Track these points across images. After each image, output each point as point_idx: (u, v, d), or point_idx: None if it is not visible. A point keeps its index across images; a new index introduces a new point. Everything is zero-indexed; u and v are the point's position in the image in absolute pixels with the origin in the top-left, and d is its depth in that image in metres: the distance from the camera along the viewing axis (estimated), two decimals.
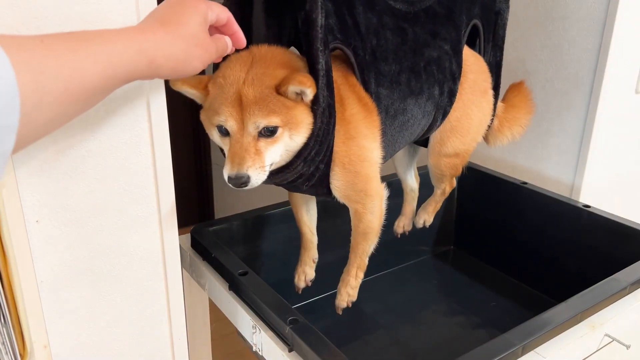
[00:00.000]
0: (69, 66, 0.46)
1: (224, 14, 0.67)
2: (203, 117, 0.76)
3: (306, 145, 0.75)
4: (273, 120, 0.71)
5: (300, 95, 0.73)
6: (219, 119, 0.72)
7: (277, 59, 0.75)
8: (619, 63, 1.26)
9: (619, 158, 1.41)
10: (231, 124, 0.72)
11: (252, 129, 0.71)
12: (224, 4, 0.79)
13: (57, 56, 0.46)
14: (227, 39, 0.69)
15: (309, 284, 1.03)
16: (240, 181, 0.71)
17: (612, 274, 0.90)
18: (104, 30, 0.53)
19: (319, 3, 0.71)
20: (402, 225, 1.16)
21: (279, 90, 0.72)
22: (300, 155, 0.76)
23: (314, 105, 0.74)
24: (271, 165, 0.74)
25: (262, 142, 0.72)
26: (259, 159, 0.72)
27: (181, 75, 0.63)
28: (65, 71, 0.46)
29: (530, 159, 1.44)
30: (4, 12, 0.59)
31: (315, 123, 0.75)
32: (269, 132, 0.72)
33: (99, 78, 0.49)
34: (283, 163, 0.77)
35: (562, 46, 1.32)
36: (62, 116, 0.48)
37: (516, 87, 1.14)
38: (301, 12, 0.73)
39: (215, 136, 0.76)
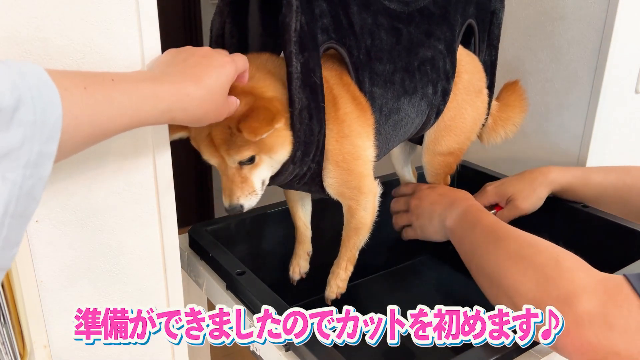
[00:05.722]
0: (101, 116, 0.52)
1: (244, 67, 0.71)
2: (194, 145, 0.79)
3: (291, 150, 0.77)
4: (245, 154, 0.74)
5: None
6: (203, 157, 0.77)
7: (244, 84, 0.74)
8: (619, 63, 1.26)
9: (619, 158, 1.41)
10: (214, 162, 0.77)
11: (231, 163, 0.75)
12: (219, 5, 0.79)
13: (95, 105, 0.50)
14: (237, 102, 0.71)
15: (304, 276, 1.04)
16: (235, 210, 0.76)
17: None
18: (139, 82, 0.57)
19: (294, 8, 0.71)
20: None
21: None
22: (288, 159, 0.78)
23: (290, 107, 0.74)
24: (263, 182, 0.78)
25: (246, 169, 0.75)
26: (247, 185, 0.76)
27: (189, 125, 0.71)
28: (97, 121, 0.51)
29: (530, 159, 1.44)
30: (4, 11, 0.59)
31: (293, 126, 0.75)
32: (249, 161, 0.75)
33: (124, 127, 0.55)
34: (275, 172, 0.79)
35: (562, 46, 1.32)
36: (85, 146, 0.54)
37: (511, 86, 1.14)
38: (280, 16, 0.74)
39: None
